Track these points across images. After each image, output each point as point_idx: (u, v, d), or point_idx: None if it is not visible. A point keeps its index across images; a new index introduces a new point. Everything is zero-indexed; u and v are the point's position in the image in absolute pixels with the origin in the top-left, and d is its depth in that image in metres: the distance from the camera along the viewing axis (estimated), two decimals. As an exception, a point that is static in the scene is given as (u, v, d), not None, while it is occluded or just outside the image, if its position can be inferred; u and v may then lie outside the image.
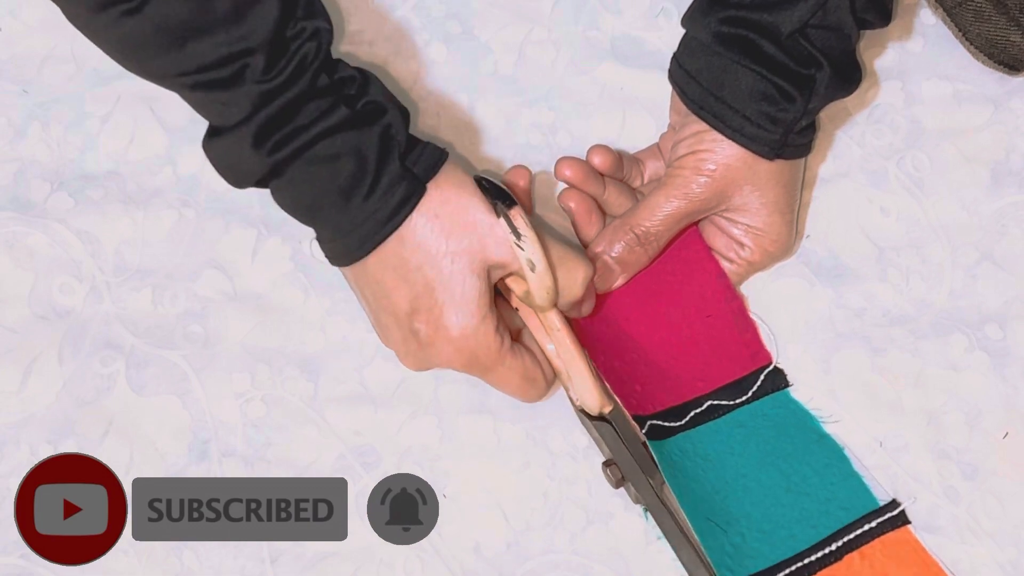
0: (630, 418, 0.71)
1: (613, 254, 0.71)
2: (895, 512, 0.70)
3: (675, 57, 0.72)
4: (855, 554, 0.69)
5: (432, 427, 0.72)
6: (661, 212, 0.70)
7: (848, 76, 0.70)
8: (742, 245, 0.72)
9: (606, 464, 0.69)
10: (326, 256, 0.67)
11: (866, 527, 0.69)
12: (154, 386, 0.72)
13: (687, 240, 0.73)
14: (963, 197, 0.76)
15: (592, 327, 0.72)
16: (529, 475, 0.71)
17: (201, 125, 0.76)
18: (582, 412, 0.69)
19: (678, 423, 0.72)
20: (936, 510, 0.70)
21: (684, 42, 0.71)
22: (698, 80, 0.69)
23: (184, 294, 0.74)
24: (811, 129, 0.71)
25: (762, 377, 0.73)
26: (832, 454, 0.71)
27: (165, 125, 0.77)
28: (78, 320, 0.73)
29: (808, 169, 0.74)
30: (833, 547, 0.69)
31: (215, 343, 0.73)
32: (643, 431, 0.71)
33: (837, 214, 0.75)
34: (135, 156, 0.77)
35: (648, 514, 0.69)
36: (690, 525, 0.68)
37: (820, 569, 0.69)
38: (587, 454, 0.71)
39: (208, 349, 0.73)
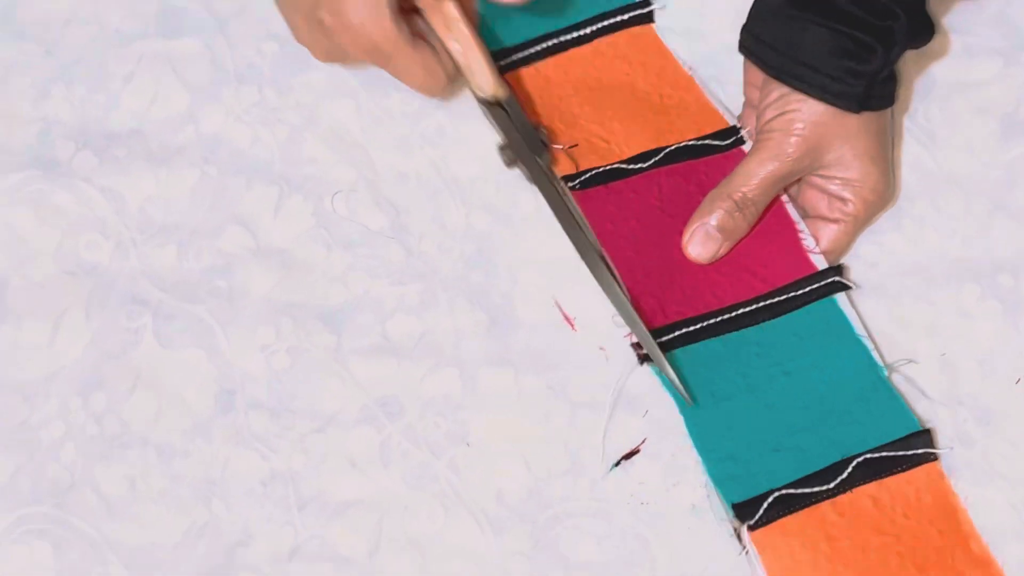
0: (520, 106, 0.76)
1: (713, 223, 0.73)
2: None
3: (746, 28, 0.74)
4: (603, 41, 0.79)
5: (454, 378, 0.73)
6: (756, 176, 0.72)
7: (922, 25, 0.72)
8: (844, 200, 0.73)
9: (500, 148, 0.75)
10: None
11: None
12: (180, 340, 0.73)
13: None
14: (975, 149, 0.77)
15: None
16: (550, 425, 0.72)
17: (222, 85, 0.78)
18: (482, 102, 0.75)
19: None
20: (950, 455, 0.71)
21: (753, 12, 0.74)
22: (774, 47, 0.71)
23: (208, 250, 0.75)
24: (892, 79, 0.72)
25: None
26: None
27: (187, 84, 0.78)
28: (105, 276, 0.75)
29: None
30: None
31: (239, 297, 0.74)
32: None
33: (851, 167, 0.76)
34: (157, 115, 0.78)
35: (668, 384, 0.71)
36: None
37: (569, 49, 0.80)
38: (607, 405, 0.73)
39: (233, 303, 0.74)
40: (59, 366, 0.73)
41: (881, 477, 0.69)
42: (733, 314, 0.73)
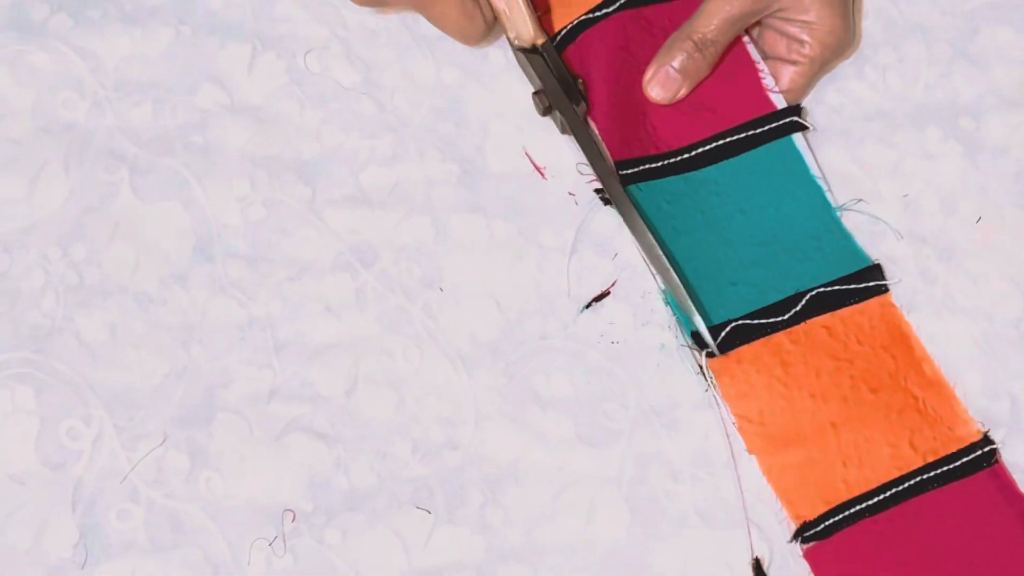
0: (557, 56, 0.75)
1: (675, 65, 0.75)
2: None
3: None
4: None
5: (427, 226, 0.74)
6: (716, 17, 0.74)
7: None
8: (801, 42, 0.74)
9: (535, 93, 0.75)
10: None
11: None
12: (157, 192, 0.75)
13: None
14: (937, -2, 0.78)
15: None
16: (521, 268, 0.74)
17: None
18: (519, 49, 0.74)
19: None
20: (913, 290, 0.73)
21: None
22: None
23: (183, 107, 0.76)
24: None
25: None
26: None
27: (159, -54, 0.79)
28: (82, 132, 0.75)
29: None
30: None
31: (215, 152, 0.76)
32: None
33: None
34: (131, -22, 0.79)
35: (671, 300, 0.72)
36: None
37: None
38: (577, 248, 0.74)
39: (208, 157, 0.75)
40: (38, 219, 0.74)
41: (834, 309, 0.71)
42: (693, 153, 0.74)
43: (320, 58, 0.78)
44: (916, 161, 0.75)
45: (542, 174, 0.76)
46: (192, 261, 0.73)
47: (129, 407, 0.70)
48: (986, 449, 0.69)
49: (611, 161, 0.73)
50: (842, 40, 0.74)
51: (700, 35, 0.74)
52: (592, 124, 0.75)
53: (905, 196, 0.75)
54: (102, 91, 0.76)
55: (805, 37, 0.74)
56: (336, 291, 0.73)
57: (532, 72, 0.75)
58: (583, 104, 0.74)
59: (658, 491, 0.70)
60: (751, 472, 0.70)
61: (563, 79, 0.74)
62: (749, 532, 0.69)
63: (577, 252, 0.74)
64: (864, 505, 0.68)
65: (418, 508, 0.69)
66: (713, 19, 0.74)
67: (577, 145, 0.73)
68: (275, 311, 0.73)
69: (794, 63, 0.75)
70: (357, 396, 0.71)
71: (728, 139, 0.74)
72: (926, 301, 0.73)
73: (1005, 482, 0.69)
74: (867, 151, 0.76)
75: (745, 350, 0.70)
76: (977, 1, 0.78)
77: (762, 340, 0.70)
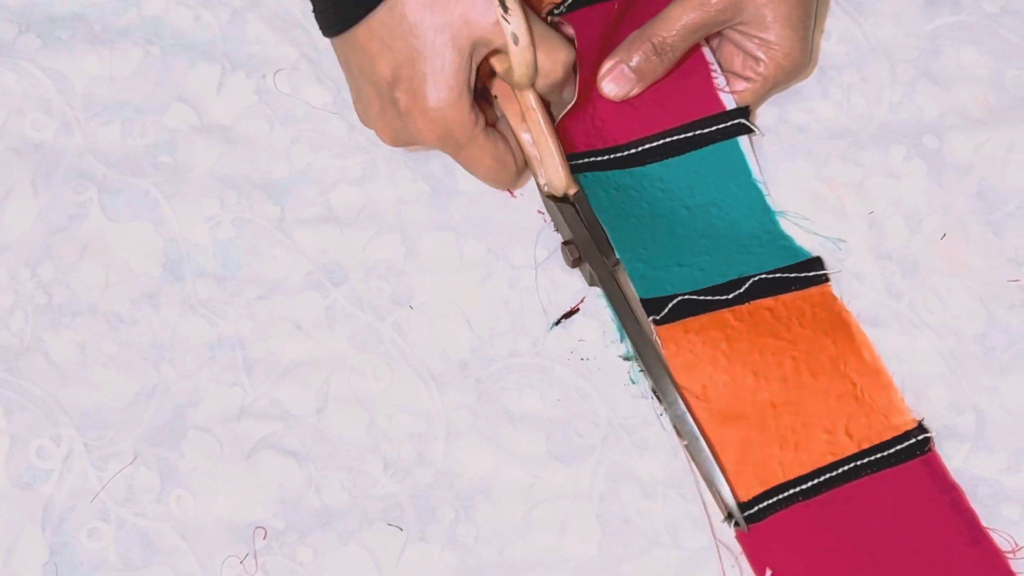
0: (589, 207, 0.73)
1: (631, 64, 0.75)
2: None
3: None
4: None
5: (396, 244, 0.75)
6: (679, 23, 0.74)
7: None
8: (757, 60, 0.75)
9: (565, 244, 0.73)
10: (320, 26, 0.70)
11: None
12: (127, 212, 0.75)
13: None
14: (900, 19, 0.79)
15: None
16: (491, 286, 0.74)
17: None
18: (549, 197, 0.73)
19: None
20: (879, 306, 0.74)
21: None
22: None
23: (153, 127, 0.76)
24: None
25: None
26: None
27: (128, -32, 0.79)
28: (50, 153, 0.76)
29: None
30: None
31: (184, 171, 0.76)
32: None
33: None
34: (99, -1, 0.79)
35: (634, 358, 0.72)
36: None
37: None
38: (546, 266, 0.74)
39: (177, 177, 0.75)
40: (7, 240, 0.74)
41: (776, 294, 0.73)
42: (639, 149, 0.75)
43: (289, 78, 0.78)
44: (881, 179, 0.76)
45: (511, 192, 0.76)
46: (161, 280, 0.73)
47: (99, 426, 0.70)
48: (920, 438, 0.70)
49: (644, 317, 0.72)
50: (797, 63, 0.75)
51: (660, 39, 0.74)
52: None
53: (871, 213, 0.76)
54: (71, 111, 0.76)
55: (761, 55, 0.74)
56: (306, 310, 0.73)
57: (562, 221, 0.73)
58: (614, 256, 0.73)
59: (629, 508, 0.70)
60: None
61: (594, 231, 0.73)
62: (719, 553, 0.69)
63: (546, 269, 0.74)
64: (798, 489, 0.69)
65: (389, 525, 0.69)
66: (675, 24, 0.74)
67: (606, 300, 0.73)
68: (245, 330, 0.73)
69: (747, 80, 0.75)
70: (328, 414, 0.71)
71: (674, 137, 0.75)
72: (892, 317, 0.74)
73: (937, 470, 0.70)
74: (832, 169, 0.76)
75: (691, 321, 0.71)
76: (939, 22, 0.79)
77: (708, 315, 0.72)
